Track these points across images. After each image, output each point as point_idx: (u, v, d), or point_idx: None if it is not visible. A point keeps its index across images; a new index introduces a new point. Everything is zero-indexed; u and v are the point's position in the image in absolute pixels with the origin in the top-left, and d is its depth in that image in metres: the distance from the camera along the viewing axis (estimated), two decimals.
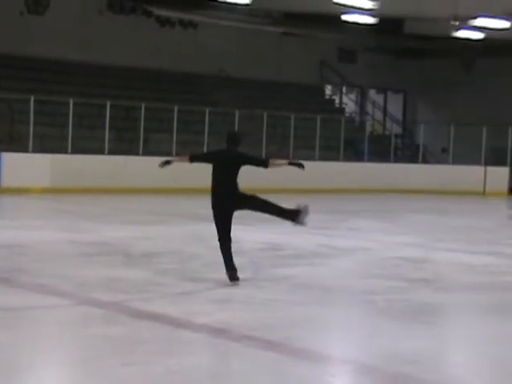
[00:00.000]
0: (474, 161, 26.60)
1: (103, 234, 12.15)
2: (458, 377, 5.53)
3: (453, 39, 23.21)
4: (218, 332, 6.37)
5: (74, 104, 20.47)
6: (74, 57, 23.27)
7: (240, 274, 8.79)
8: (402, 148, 29.82)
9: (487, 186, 26.13)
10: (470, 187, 25.77)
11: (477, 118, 28.00)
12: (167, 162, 8.87)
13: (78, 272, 8.74)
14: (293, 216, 8.52)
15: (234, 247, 11.20)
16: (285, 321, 6.86)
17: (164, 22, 24.43)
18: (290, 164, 8.75)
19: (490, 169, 26.28)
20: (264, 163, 8.86)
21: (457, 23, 20.75)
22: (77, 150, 20.35)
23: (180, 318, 6.71)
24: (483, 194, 26.04)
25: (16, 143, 20.07)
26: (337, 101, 30.43)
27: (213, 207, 8.68)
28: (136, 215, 15.62)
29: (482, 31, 22.33)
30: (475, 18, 20.54)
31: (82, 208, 16.68)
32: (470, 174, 26.21)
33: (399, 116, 31.79)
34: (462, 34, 22.34)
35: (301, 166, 8.66)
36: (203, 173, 23.00)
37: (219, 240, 8.60)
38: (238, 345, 6.07)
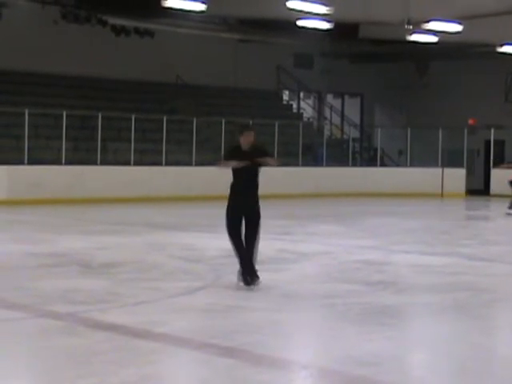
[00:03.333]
0: (431, 163, 26.91)
1: (61, 244, 12.03)
2: (416, 378, 5.57)
3: (407, 43, 23.43)
4: (178, 341, 6.33)
5: (29, 114, 20.27)
6: (29, 67, 23.04)
7: (200, 282, 8.79)
8: (359, 152, 30.04)
9: (445, 188, 26.44)
10: (428, 189, 26.06)
11: (432, 121, 28.34)
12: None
13: (35, 284, 8.64)
14: (249, 273, 8.50)
15: (195, 255, 11.23)
16: (245, 327, 6.84)
17: (119, 30, 24.25)
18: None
19: (447, 170, 26.60)
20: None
21: (410, 27, 20.93)
22: (33, 161, 20.15)
23: (139, 328, 6.66)
24: (441, 195, 26.33)
25: None
26: (294, 106, 30.53)
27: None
28: (94, 225, 15.50)
29: (435, 35, 22.58)
30: (428, 21, 20.74)
31: (40, 219, 16.50)
32: (428, 176, 26.50)
33: (357, 120, 32.00)
34: (416, 37, 22.54)
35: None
36: (161, 181, 22.88)
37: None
38: (198, 353, 6.05)
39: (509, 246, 13.43)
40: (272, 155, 9.46)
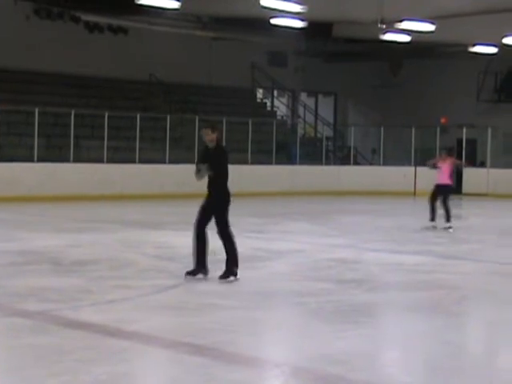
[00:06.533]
0: (404, 162, 27.07)
1: (33, 242, 11.94)
2: (388, 375, 5.60)
3: (380, 42, 23.52)
4: (150, 339, 6.31)
5: (1, 111, 20.10)
6: (0, 63, 22.80)
7: (173, 280, 8.78)
8: (333, 150, 30.13)
9: (417, 186, 26.59)
10: (401, 188, 26.19)
11: (406, 120, 28.51)
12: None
13: (5, 282, 8.56)
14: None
15: (169, 253, 11.21)
16: (217, 325, 6.83)
17: (93, 27, 24.13)
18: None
19: (420, 169, 26.74)
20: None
21: (383, 26, 21.02)
22: (5, 158, 19.98)
23: (111, 326, 6.63)
24: (414, 194, 26.47)
25: None
26: (268, 104, 30.55)
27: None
28: (67, 223, 15.40)
29: (408, 34, 22.70)
30: (401, 21, 20.84)
31: (11, 216, 16.36)
32: (401, 175, 26.64)
33: (330, 119, 32.08)
34: (389, 37, 22.64)
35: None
36: (134, 179, 22.75)
37: None
38: (170, 351, 6.04)
39: (479, 244, 13.56)
40: None
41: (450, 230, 14.74)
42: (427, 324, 7.12)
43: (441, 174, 15.14)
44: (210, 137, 8.82)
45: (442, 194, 15.10)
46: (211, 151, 8.85)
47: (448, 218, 14.90)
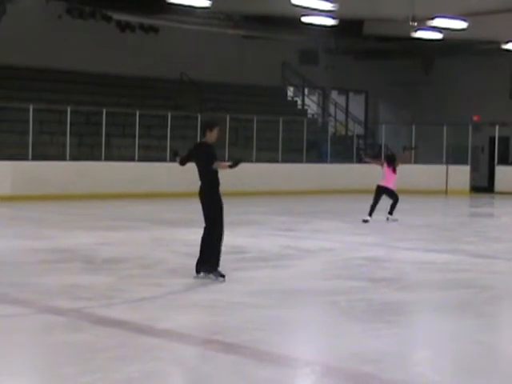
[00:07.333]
0: (436, 160, 26.89)
1: (65, 240, 12.05)
2: (419, 374, 5.57)
3: (412, 40, 23.39)
4: (181, 337, 6.34)
5: (34, 110, 20.28)
6: (33, 62, 23.05)
7: (204, 278, 8.83)
8: (364, 148, 30.01)
9: (449, 185, 26.41)
10: (432, 186, 26.03)
11: (437, 117, 28.31)
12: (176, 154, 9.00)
13: (38, 280, 8.66)
14: (209, 265, 8.81)
15: (198, 251, 11.20)
16: (248, 324, 6.85)
17: (124, 26, 24.29)
18: (231, 167, 8.86)
19: (452, 167, 26.57)
20: (211, 163, 8.86)
21: (415, 24, 20.91)
22: (38, 157, 20.17)
23: (142, 324, 6.67)
24: (445, 192, 26.29)
25: None
26: (299, 102, 30.51)
27: None
28: (99, 221, 15.52)
29: (440, 31, 22.55)
30: (433, 18, 20.71)
31: (44, 215, 16.53)
32: (432, 173, 26.47)
33: (361, 117, 31.97)
34: (421, 34, 22.50)
35: (239, 161, 8.93)
36: (165, 177, 22.86)
37: None
38: (201, 349, 6.06)
39: None
40: None
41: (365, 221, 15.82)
42: (458, 323, 7.07)
43: (385, 179, 16.54)
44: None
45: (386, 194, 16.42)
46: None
47: (371, 213, 16.02)
